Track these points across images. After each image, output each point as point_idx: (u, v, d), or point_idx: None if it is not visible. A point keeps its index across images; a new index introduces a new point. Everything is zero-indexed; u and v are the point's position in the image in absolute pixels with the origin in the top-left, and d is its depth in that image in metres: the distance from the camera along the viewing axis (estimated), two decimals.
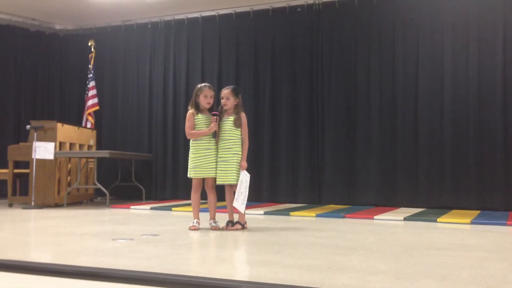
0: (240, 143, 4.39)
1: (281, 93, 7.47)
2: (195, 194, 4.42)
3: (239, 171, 4.33)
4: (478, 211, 6.01)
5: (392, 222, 5.20)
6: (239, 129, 4.39)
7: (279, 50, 7.56)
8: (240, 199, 4.25)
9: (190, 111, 4.44)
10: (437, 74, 6.67)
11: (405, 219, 5.32)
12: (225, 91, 4.43)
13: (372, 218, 5.42)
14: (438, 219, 5.18)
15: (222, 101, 4.42)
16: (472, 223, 5.00)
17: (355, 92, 7.06)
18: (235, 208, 4.32)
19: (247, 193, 4.29)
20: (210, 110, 4.45)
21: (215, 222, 4.42)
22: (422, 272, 2.59)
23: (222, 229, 4.35)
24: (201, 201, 4.48)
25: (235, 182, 4.32)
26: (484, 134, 6.38)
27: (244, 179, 4.30)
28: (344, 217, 5.58)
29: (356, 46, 7.11)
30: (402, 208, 6.44)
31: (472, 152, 6.40)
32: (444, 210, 6.19)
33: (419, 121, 6.70)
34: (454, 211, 6.10)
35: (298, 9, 7.47)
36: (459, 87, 6.54)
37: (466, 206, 6.31)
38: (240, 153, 4.37)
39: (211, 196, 4.47)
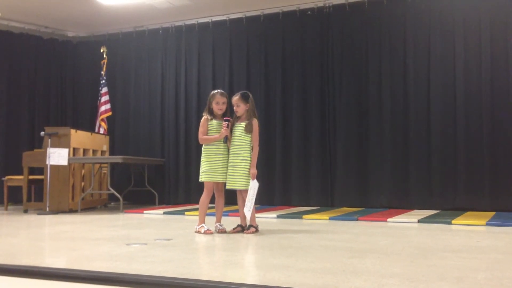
0: (249, 149, 4.41)
1: (292, 96, 7.47)
2: (206, 198, 4.46)
3: (248, 177, 4.35)
4: (493, 213, 5.94)
5: (406, 224, 5.16)
6: (250, 135, 4.41)
7: (289, 54, 7.56)
8: (248, 205, 4.29)
9: (205, 117, 4.48)
10: (449, 74, 6.62)
11: (419, 221, 5.27)
12: (235, 98, 4.46)
13: (386, 221, 5.38)
14: (453, 221, 5.13)
15: (234, 108, 4.46)
16: (487, 224, 4.95)
17: (367, 94, 7.03)
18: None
19: (253, 200, 4.31)
20: (225, 116, 4.48)
21: (221, 225, 4.48)
22: (437, 274, 2.56)
23: (229, 232, 4.40)
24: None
25: (242, 187, 4.36)
26: (497, 134, 6.32)
27: (253, 186, 4.32)
28: (357, 219, 5.55)
29: (367, 48, 7.09)
30: (415, 210, 6.39)
31: (486, 153, 6.34)
32: (458, 211, 6.14)
33: (432, 122, 6.66)
34: (468, 212, 6.04)
35: (308, 12, 7.46)
36: (471, 87, 6.49)
37: (481, 208, 6.24)
38: (249, 159, 4.39)
39: (220, 200, 4.54)
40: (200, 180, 4.50)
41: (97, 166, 7.37)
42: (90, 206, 7.40)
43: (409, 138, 6.77)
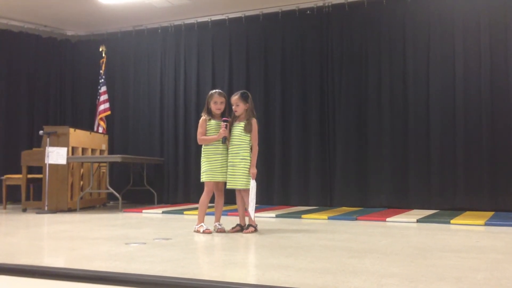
0: (248, 149, 4.42)
1: (292, 96, 7.47)
2: (206, 198, 4.46)
3: (248, 176, 4.35)
4: (492, 213, 5.95)
5: (405, 224, 5.17)
6: (249, 135, 4.42)
7: (289, 53, 7.56)
8: (251, 205, 4.30)
9: (203, 117, 4.48)
10: (448, 74, 6.62)
11: (418, 221, 5.28)
12: (234, 98, 4.46)
13: (385, 220, 5.39)
14: (452, 221, 5.14)
15: (233, 107, 4.46)
16: (486, 224, 4.95)
17: (366, 94, 7.03)
18: (246, 212, 4.39)
19: (255, 200, 4.33)
20: (223, 115, 4.48)
21: (220, 225, 4.48)
22: (436, 274, 2.57)
23: (228, 232, 4.40)
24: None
25: (243, 187, 4.36)
26: (497, 134, 6.33)
27: (253, 186, 4.33)
28: (356, 219, 5.55)
29: (366, 48, 7.09)
30: (414, 210, 6.39)
31: (485, 153, 6.34)
32: (457, 211, 6.14)
33: (431, 122, 6.66)
34: (467, 212, 6.04)
35: (308, 11, 7.46)
36: (471, 87, 6.49)
37: (480, 208, 6.25)
38: (248, 158, 4.40)
39: (220, 200, 4.55)
40: (201, 180, 4.50)
41: (96, 165, 7.36)
42: (89, 205, 7.39)
43: (408, 138, 6.77)
